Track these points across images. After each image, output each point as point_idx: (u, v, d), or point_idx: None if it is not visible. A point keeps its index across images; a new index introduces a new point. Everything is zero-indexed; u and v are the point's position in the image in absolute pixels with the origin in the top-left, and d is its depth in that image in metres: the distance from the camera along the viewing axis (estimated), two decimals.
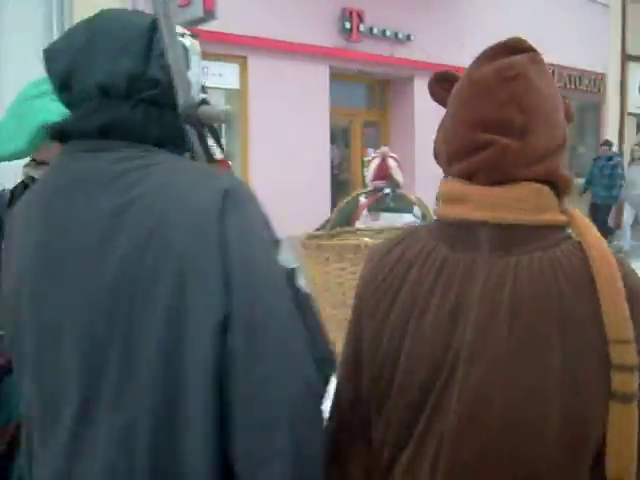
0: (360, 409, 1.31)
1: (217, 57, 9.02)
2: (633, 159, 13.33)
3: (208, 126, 1.50)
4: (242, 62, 9.36)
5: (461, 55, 12.38)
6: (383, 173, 4.19)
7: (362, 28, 10.67)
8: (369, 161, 4.37)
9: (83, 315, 1.18)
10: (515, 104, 1.17)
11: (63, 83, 1.27)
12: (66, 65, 1.25)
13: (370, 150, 11.98)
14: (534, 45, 1.34)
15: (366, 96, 12.46)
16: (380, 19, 10.96)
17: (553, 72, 14.93)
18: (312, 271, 3.35)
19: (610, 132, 17.29)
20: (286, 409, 1.13)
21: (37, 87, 1.92)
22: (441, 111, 1.31)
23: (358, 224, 3.91)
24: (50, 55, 1.28)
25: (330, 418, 1.35)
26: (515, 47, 1.27)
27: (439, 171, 1.35)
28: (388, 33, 11.09)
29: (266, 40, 9.46)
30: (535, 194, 1.18)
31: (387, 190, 4.12)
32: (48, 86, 1.43)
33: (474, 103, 1.21)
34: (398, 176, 4.24)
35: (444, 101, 1.32)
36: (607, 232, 11.79)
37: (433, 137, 1.35)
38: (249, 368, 1.12)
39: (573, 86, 15.69)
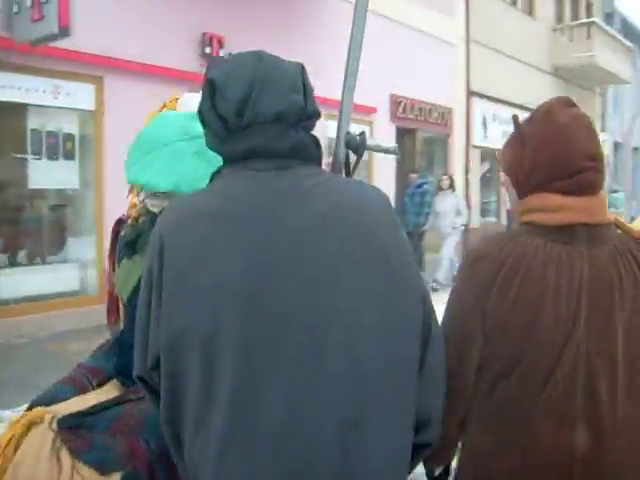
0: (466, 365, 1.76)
1: (71, 76, 8.66)
2: (441, 189, 13.91)
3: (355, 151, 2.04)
4: (98, 82, 9.00)
5: (319, 86, 12.61)
6: None
7: (222, 53, 10.59)
8: None
9: (307, 302, 1.46)
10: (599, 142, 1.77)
11: (239, 108, 1.56)
12: (244, 94, 1.55)
13: None
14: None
15: None
16: (239, 45, 10.88)
17: (404, 105, 15.50)
18: None
19: (457, 163, 18.16)
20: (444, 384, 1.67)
21: (190, 125, 2.10)
22: None
23: None
24: (221, 86, 1.57)
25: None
26: (571, 102, 1.83)
27: None
28: None
29: (124, 61, 9.17)
30: (604, 201, 1.78)
31: None
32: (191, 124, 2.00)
33: (576, 141, 1.74)
34: None
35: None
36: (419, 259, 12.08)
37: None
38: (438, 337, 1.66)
39: (423, 118, 16.35)
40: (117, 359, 2.12)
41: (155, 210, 2.12)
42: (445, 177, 14.12)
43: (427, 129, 16.90)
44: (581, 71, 24.60)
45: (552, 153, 1.73)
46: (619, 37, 27.05)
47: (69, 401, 2.00)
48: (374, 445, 1.45)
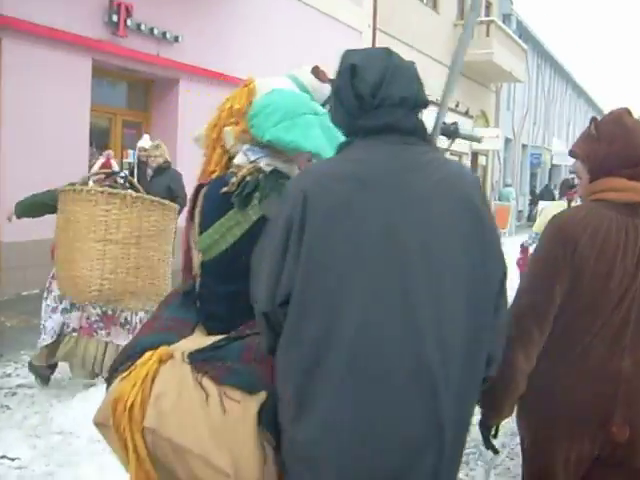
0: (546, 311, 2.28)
1: None
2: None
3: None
4: None
5: (226, 62, 12.41)
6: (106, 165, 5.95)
7: (129, 23, 10.21)
8: (94, 161, 5.74)
9: (428, 258, 1.77)
10: None
11: (373, 90, 1.88)
12: (378, 79, 1.88)
13: (130, 152, 11.56)
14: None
15: (128, 95, 11.94)
16: (149, 16, 10.60)
17: None
18: (76, 214, 4.52)
19: None
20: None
21: (313, 104, 2.48)
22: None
23: None
24: (361, 69, 1.90)
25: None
26: (631, 112, 2.42)
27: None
28: (156, 32, 10.74)
29: (28, 23, 8.68)
30: None
31: (122, 174, 5.56)
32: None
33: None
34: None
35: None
36: None
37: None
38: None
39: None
40: (202, 308, 2.37)
41: (268, 169, 2.36)
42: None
43: None
44: (479, 67, 25.25)
45: (622, 147, 2.31)
46: (515, 38, 28.00)
47: (180, 343, 2.20)
48: (456, 383, 1.80)
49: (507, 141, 31.90)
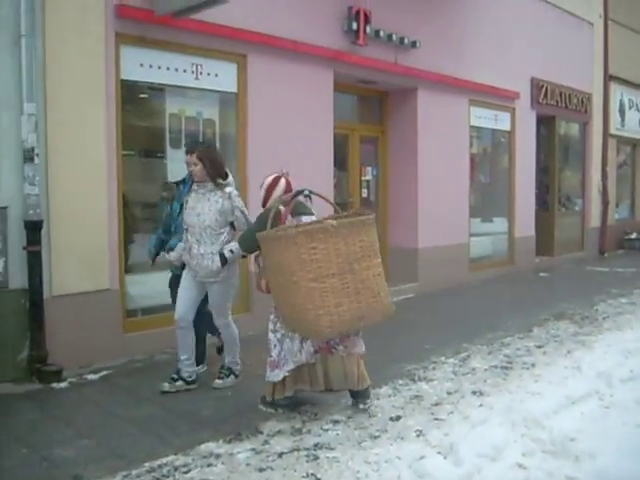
0: None
1: (212, 54, 7.66)
2: None
3: None
4: (241, 61, 7.98)
5: (462, 67, 11.37)
6: (289, 188, 5.27)
7: (368, 30, 9.44)
8: (274, 179, 5.33)
9: None
10: None
11: None
12: None
13: (368, 169, 10.80)
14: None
15: (362, 108, 11.21)
16: (386, 22, 9.78)
17: (546, 89, 14.10)
18: (284, 258, 4.54)
19: (594, 153, 16.59)
20: None
21: None
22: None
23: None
24: None
25: None
26: None
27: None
28: (394, 38, 9.90)
29: (271, 37, 8.13)
30: None
31: (301, 198, 5.19)
32: None
33: None
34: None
35: None
36: None
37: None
38: None
39: (563, 105, 14.85)
40: None
41: None
42: None
43: (567, 116, 15.39)
44: None
45: None
46: None
47: None
48: None
49: None
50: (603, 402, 5.20)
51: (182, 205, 5.77)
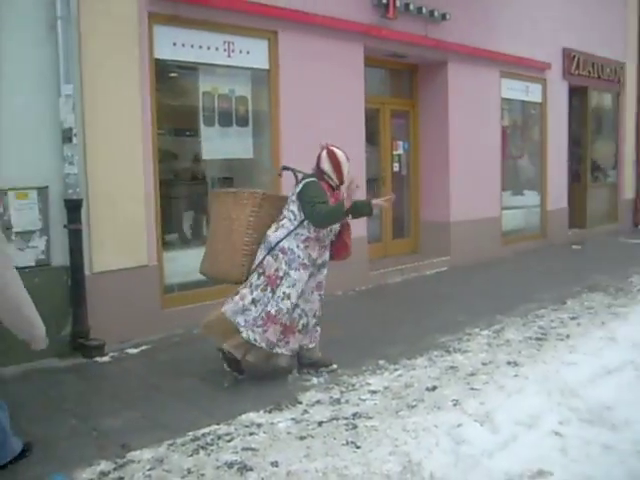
0: None
1: (243, 31, 7.70)
2: None
3: None
4: (272, 37, 8.02)
5: (492, 40, 11.28)
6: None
7: (398, 3, 9.40)
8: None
9: None
10: None
11: None
12: None
13: (400, 143, 10.80)
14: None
15: (393, 82, 11.18)
16: None
17: (578, 60, 13.93)
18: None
19: (627, 125, 16.38)
20: None
21: None
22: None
23: None
24: None
25: None
26: None
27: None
28: (424, 11, 9.83)
29: (298, 12, 8.16)
30: None
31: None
32: None
33: None
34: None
35: None
36: None
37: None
38: None
39: (596, 75, 14.66)
40: None
41: None
42: None
43: (599, 87, 15.19)
44: None
45: None
46: None
47: None
48: None
49: None
50: (638, 372, 5.23)
51: None
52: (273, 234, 5.16)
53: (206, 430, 4.34)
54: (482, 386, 5.01)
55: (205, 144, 7.68)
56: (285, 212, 5.21)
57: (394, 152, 10.66)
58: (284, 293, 5.07)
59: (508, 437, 4.00)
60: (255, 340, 5.07)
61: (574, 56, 13.80)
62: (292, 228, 5.10)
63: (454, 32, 10.45)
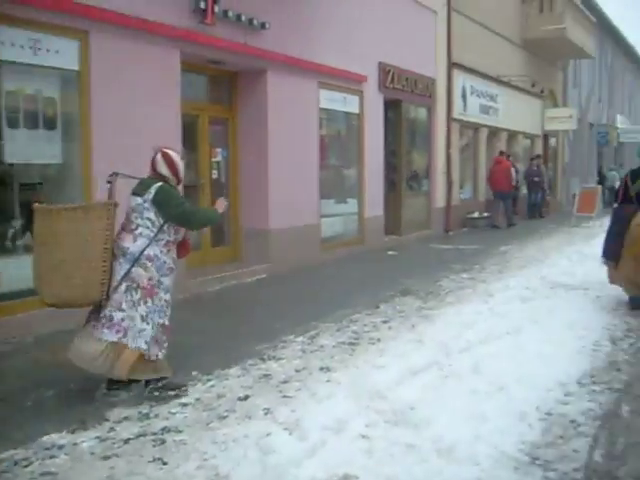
0: None
1: (52, 29, 7.31)
2: None
3: None
4: (83, 38, 7.67)
5: (309, 50, 11.51)
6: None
7: (216, 10, 9.33)
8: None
9: None
10: None
11: None
12: None
13: (218, 150, 10.72)
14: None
15: (212, 89, 11.08)
16: (234, 1, 9.72)
17: (393, 74, 14.53)
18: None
19: (439, 137, 17.30)
20: None
21: None
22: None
23: None
24: None
25: None
26: None
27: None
28: (243, 18, 9.84)
29: (113, 14, 7.85)
30: None
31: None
32: None
33: None
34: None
35: None
36: None
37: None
38: None
39: (409, 89, 15.37)
40: None
41: None
42: None
43: (413, 101, 15.94)
44: (550, 44, 23.95)
45: None
46: (585, 11, 26.51)
47: None
48: None
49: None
50: (442, 372, 5.48)
51: None
52: (132, 245, 4.94)
53: (2, 456, 4.03)
54: (294, 393, 5.04)
55: (8, 146, 7.19)
56: (138, 221, 4.98)
57: (213, 159, 10.57)
58: (165, 301, 5.06)
59: (316, 443, 4.03)
60: (159, 356, 5.10)
61: (389, 70, 14.39)
62: (152, 235, 4.96)
63: (273, 41, 10.55)
